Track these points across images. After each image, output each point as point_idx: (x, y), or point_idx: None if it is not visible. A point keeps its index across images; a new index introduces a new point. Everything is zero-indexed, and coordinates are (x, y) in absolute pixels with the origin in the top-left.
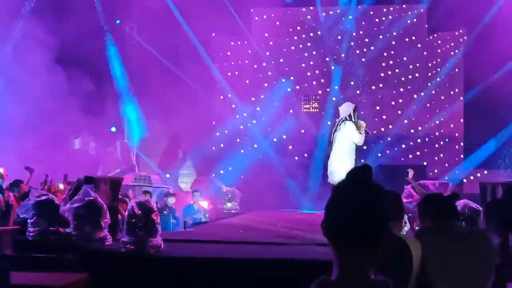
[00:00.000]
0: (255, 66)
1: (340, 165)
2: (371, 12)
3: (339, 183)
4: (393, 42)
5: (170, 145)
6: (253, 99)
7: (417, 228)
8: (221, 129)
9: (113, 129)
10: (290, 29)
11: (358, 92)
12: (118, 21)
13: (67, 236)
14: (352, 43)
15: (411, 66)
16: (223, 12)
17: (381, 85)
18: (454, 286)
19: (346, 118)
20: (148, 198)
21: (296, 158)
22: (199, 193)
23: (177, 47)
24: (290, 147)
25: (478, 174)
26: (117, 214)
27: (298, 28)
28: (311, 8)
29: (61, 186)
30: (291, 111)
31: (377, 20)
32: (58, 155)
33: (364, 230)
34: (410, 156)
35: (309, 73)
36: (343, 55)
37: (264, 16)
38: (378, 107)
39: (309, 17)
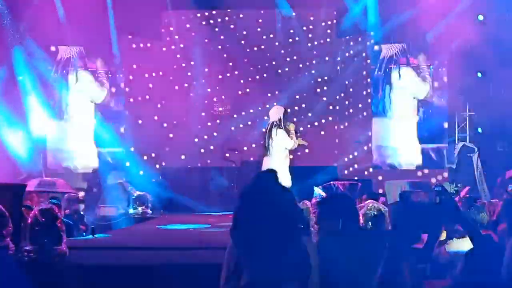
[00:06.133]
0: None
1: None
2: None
3: (245, 190)
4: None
5: None
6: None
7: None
8: None
9: None
10: None
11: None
12: None
13: None
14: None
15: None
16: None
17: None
18: None
19: (276, 123)
20: (51, 205)
21: (209, 161)
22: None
23: None
24: (202, 150)
25: None
26: (21, 221)
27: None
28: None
29: None
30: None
31: None
32: None
33: (274, 240)
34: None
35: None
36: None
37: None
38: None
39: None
